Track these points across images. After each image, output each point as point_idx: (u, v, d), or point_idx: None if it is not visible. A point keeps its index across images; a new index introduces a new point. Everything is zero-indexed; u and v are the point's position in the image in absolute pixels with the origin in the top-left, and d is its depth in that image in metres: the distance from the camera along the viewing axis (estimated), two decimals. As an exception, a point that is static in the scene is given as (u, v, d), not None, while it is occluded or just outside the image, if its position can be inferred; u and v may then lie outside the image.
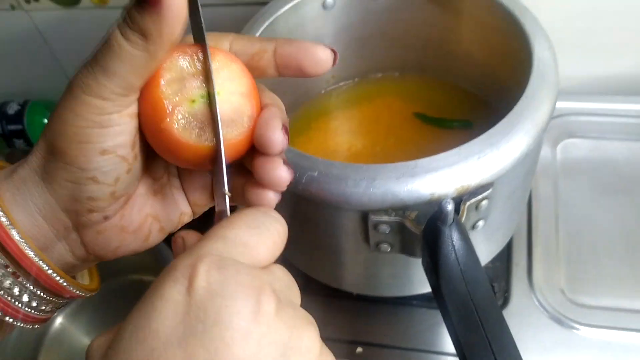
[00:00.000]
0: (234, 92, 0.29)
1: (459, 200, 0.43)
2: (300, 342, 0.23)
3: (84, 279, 0.35)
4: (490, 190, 0.43)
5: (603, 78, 0.72)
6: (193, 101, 0.29)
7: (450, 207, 0.39)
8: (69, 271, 0.32)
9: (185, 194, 0.34)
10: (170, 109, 0.28)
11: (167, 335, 0.21)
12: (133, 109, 0.28)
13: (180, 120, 0.28)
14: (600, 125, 0.69)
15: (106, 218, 0.30)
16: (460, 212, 0.43)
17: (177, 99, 0.28)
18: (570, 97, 0.70)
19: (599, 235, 0.62)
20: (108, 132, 0.27)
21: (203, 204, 0.35)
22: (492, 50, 0.58)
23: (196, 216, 0.35)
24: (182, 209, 0.34)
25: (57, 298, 0.31)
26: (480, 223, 0.47)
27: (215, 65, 0.29)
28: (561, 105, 0.70)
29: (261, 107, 0.30)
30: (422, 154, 0.43)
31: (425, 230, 0.41)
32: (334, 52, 0.31)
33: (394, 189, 0.42)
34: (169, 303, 0.22)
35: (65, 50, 0.86)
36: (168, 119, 0.28)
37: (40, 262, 0.29)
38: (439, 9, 0.60)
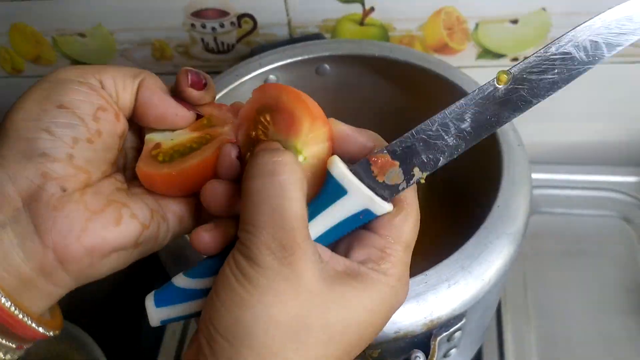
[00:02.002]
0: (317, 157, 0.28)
1: (428, 336, 0.37)
2: None
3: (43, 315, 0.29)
4: (463, 321, 0.37)
5: (567, 146, 0.68)
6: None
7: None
8: (22, 294, 0.26)
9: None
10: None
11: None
12: (101, 91, 0.28)
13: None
14: (567, 198, 0.65)
15: (64, 190, 0.26)
16: (430, 352, 0.36)
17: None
18: (536, 167, 0.66)
19: (573, 329, 0.57)
20: (68, 89, 0.27)
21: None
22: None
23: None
24: (151, 207, 0.30)
25: (10, 339, 0.27)
26: (453, 351, 0.41)
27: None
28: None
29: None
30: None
31: (392, 380, 0.35)
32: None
33: (353, 327, 0.35)
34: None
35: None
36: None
37: None
38: (395, 87, 0.54)
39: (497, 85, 0.26)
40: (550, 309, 0.59)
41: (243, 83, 0.51)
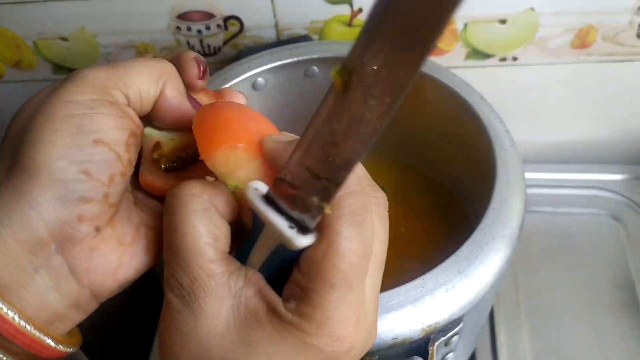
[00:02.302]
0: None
1: (426, 341, 0.36)
2: None
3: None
4: (461, 325, 0.37)
5: (555, 145, 0.68)
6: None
7: (421, 367, 0.32)
8: (53, 325, 0.26)
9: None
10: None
11: None
12: (129, 111, 0.27)
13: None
14: (556, 197, 0.66)
15: (98, 230, 0.26)
16: (428, 357, 0.36)
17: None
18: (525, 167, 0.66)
19: (565, 327, 0.57)
20: (101, 116, 0.25)
21: None
22: (446, 134, 0.53)
23: None
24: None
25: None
26: (450, 355, 0.40)
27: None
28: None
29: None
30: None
31: (391, 386, 0.34)
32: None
33: (350, 334, 0.35)
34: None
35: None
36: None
37: (7, 310, 0.24)
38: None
39: (338, 91, 0.19)
40: (541, 307, 0.59)
41: (232, 87, 0.50)
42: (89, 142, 0.25)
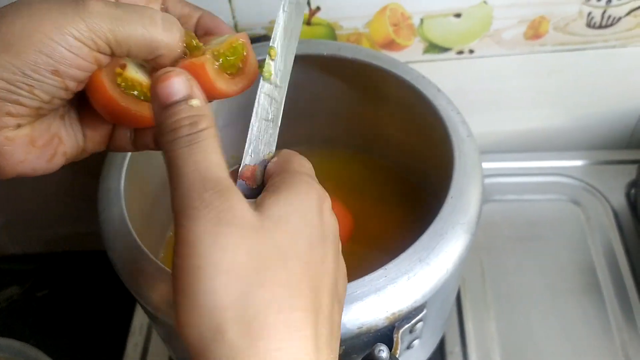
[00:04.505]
0: None
1: (390, 329, 0.37)
2: None
3: None
4: (424, 312, 0.38)
5: (514, 134, 0.70)
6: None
7: (385, 354, 0.33)
8: None
9: (82, 128, 0.33)
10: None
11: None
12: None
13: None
14: (518, 185, 0.67)
15: (19, 126, 0.29)
16: (394, 344, 0.37)
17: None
18: (486, 157, 0.68)
19: (531, 312, 0.59)
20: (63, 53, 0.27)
21: (98, 142, 0.34)
22: (406, 127, 0.54)
23: (87, 153, 0.34)
24: (78, 140, 0.33)
25: None
26: (416, 342, 0.41)
27: None
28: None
29: None
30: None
31: (358, 375, 0.35)
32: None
33: (316, 326, 0.36)
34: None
35: None
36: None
37: None
38: (345, 85, 0.55)
39: (267, 84, 0.30)
40: (508, 294, 0.61)
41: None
42: (46, 69, 0.27)
